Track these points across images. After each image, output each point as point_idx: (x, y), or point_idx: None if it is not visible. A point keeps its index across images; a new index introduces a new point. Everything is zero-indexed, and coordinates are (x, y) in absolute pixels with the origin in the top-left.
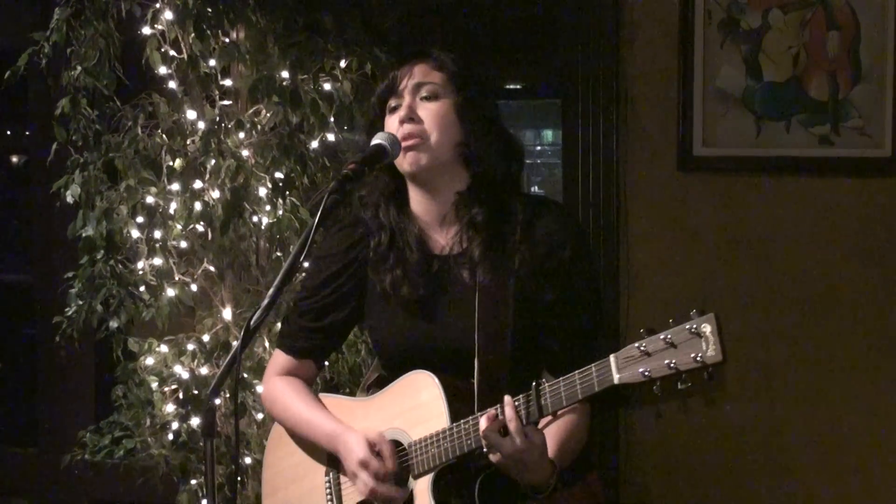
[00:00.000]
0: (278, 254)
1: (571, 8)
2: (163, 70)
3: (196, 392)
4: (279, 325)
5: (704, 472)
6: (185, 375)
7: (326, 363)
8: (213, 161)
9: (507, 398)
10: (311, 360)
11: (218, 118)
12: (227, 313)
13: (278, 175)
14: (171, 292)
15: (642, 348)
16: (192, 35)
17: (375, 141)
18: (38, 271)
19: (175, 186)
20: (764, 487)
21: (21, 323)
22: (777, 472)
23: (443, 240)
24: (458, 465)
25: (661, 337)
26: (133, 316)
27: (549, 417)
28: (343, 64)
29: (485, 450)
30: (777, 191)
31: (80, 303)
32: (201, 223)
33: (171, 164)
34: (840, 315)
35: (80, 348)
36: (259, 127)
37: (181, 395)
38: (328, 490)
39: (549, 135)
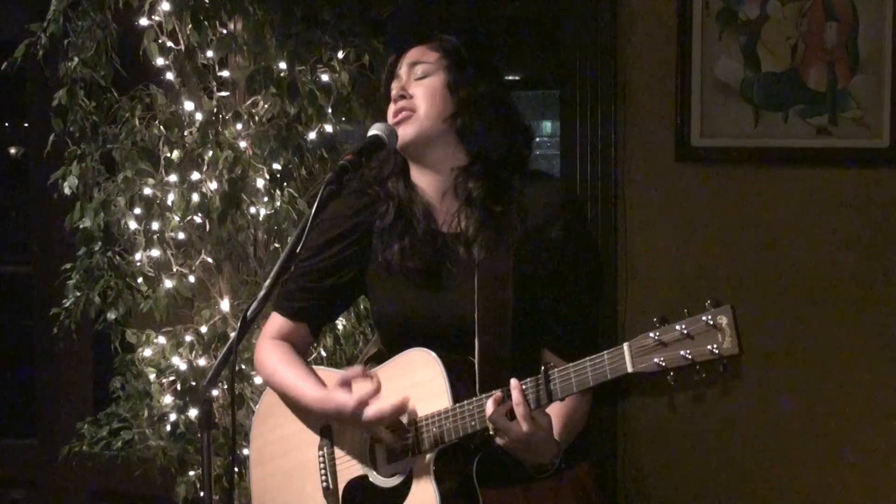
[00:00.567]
0: (276, 245)
1: None
2: (160, 61)
3: (194, 383)
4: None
5: (702, 463)
6: (183, 367)
7: (325, 355)
8: (210, 152)
9: (514, 382)
10: (306, 323)
11: (215, 109)
12: (224, 305)
13: (276, 166)
14: (168, 284)
15: (657, 338)
16: (190, 26)
17: (372, 132)
18: (35, 263)
19: (173, 178)
20: (761, 478)
21: (19, 314)
22: (775, 462)
23: (444, 215)
24: (457, 443)
25: (678, 327)
26: (131, 307)
27: None
28: (341, 55)
29: (490, 432)
30: (775, 181)
31: (78, 294)
32: (199, 214)
33: (168, 155)
34: (838, 305)
35: (78, 340)
36: (257, 118)
37: (179, 387)
38: (322, 463)
39: (547, 126)
